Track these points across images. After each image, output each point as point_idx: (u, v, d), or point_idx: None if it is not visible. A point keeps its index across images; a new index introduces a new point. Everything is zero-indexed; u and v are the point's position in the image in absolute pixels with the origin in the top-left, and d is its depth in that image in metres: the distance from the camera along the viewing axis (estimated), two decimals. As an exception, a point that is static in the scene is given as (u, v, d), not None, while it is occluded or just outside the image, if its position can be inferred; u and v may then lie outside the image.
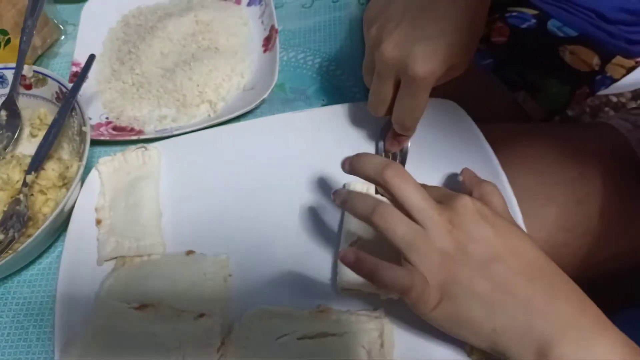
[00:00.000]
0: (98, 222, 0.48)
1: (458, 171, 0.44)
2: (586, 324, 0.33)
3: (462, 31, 0.41)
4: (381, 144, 0.49)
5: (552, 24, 0.80)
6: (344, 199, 0.39)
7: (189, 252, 0.46)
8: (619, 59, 0.81)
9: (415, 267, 0.35)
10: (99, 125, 0.56)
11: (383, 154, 0.48)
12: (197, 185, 0.49)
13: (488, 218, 0.36)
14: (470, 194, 0.40)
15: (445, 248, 0.35)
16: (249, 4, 0.62)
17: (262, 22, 0.59)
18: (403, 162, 0.48)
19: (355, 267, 0.36)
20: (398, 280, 0.35)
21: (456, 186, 0.45)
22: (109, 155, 0.51)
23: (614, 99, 1.36)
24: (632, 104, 1.06)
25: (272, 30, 0.57)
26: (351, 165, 0.40)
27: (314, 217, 0.46)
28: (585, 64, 0.80)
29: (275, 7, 0.59)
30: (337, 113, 0.50)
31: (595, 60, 0.80)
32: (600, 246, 0.57)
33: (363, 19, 0.45)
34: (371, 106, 0.46)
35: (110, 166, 0.50)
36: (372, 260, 0.36)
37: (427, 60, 0.40)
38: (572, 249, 0.57)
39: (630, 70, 0.83)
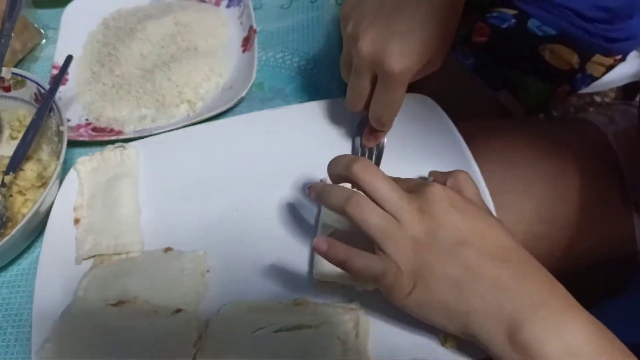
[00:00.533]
0: (76, 221, 0.48)
1: (431, 165, 0.45)
2: (554, 304, 0.33)
3: (435, 27, 0.41)
4: (358, 139, 0.49)
5: (531, 23, 0.81)
6: (318, 192, 0.40)
7: (167, 250, 0.46)
8: (598, 57, 0.82)
9: (389, 255, 0.36)
10: (79, 126, 0.56)
11: (360, 150, 0.49)
12: (175, 182, 0.49)
13: (457, 204, 0.37)
14: (444, 184, 0.40)
15: (417, 235, 0.36)
16: (227, 6, 0.62)
17: (241, 23, 0.60)
18: (379, 157, 0.48)
19: (328, 255, 0.36)
20: (371, 267, 0.36)
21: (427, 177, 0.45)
22: (87, 155, 0.51)
23: (598, 99, 1.37)
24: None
25: (251, 30, 0.57)
26: (327, 170, 0.41)
27: (291, 212, 0.46)
28: (565, 63, 0.81)
29: (254, 8, 0.60)
30: (315, 109, 0.51)
31: (575, 59, 0.81)
32: (579, 238, 0.58)
33: (340, 16, 0.46)
34: (349, 101, 0.46)
35: (88, 165, 0.50)
36: (345, 248, 0.36)
37: (402, 56, 0.40)
38: (551, 241, 0.57)
39: (609, 68, 0.84)
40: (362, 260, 0.36)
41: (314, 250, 0.37)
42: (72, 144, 0.54)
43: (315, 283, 0.42)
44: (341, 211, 0.38)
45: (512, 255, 0.36)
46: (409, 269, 0.36)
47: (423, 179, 0.45)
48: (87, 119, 0.57)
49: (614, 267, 0.58)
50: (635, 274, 0.57)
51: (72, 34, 0.63)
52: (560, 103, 0.91)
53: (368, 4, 0.43)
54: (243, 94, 0.52)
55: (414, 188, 0.38)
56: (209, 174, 0.49)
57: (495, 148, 0.59)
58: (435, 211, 0.36)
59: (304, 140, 0.50)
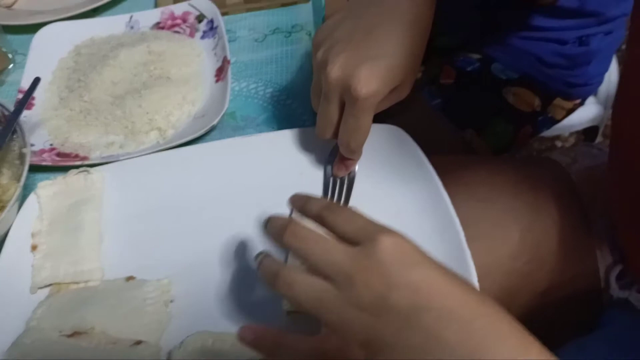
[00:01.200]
0: (33, 247, 0.46)
1: (403, 195, 0.45)
2: None
3: (402, 55, 0.43)
4: (329, 168, 0.49)
5: (495, 67, 0.84)
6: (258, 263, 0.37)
7: (129, 278, 0.44)
8: (559, 101, 0.86)
9: (331, 329, 0.32)
10: (42, 151, 0.54)
11: (331, 179, 0.49)
12: (141, 208, 0.48)
13: (412, 259, 0.32)
14: None
15: (363, 301, 0.31)
16: (202, 37, 0.63)
17: (215, 53, 0.60)
18: (350, 187, 0.48)
19: (255, 346, 0.34)
20: (306, 352, 0.33)
21: (399, 211, 0.45)
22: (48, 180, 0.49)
23: (559, 144, 1.42)
24: (575, 147, 1.10)
25: (225, 61, 0.58)
26: (263, 230, 0.38)
27: (260, 241, 0.45)
28: (527, 105, 0.84)
29: (229, 41, 0.61)
30: (286, 138, 0.51)
31: (537, 102, 0.84)
32: (548, 273, 0.58)
33: (312, 44, 0.47)
34: (318, 128, 0.46)
35: (49, 190, 0.48)
36: (274, 334, 0.34)
37: (369, 81, 0.41)
38: (520, 276, 0.58)
39: (570, 111, 0.88)
40: (294, 346, 0.33)
41: (240, 341, 0.34)
42: (35, 169, 0.52)
43: (284, 314, 0.41)
44: (273, 288, 0.34)
45: (479, 311, 0.32)
46: (358, 341, 0.31)
47: (392, 212, 0.45)
48: (51, 144, 0.55)
49: (583, 304, 0.58)
50: (602, 312, 0.58)
51: (41, 60, 0.62)
52: (523, 145, 0.94)
53: (339, 32, 0.44)
54: (215, 122, 0.52)
55: (359, 236, 0.33)
56: (176, 201, 0.48)
57: (465, 182, 0.60)
58: (385, 270, 0.31)
59: (274, 168, 0.49)
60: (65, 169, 0.51)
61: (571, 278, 0.59)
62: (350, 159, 0.47)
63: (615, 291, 0.57)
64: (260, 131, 0.54)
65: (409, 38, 0.42)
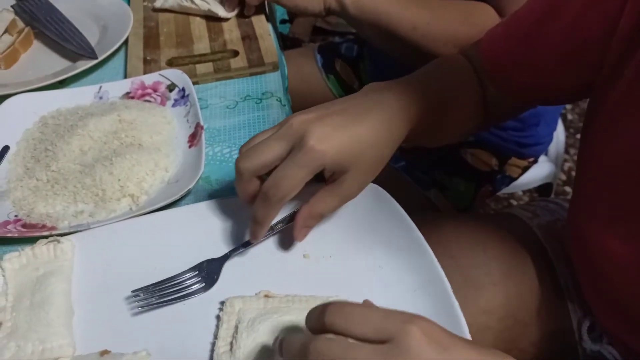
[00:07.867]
0: (-3, 325, 0.43)
1: (385, 251, 0.45)
2: None
3: (358, 140, 0.45)
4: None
5: (452, 130, 0.88)
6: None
7: (104, 352, 0.42)
8: (514, 160, 0.90)
9: None
10: (7, 222, 0.52)
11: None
12: (115, 277, 0.46)
13: (444, 344, 0.32)
14: None
15: None
16: (174, 105, 0.63)
17: (187, 120, 0.61)
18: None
19: None
20: None
21: (382, 266, 0.46)
22: (15, 251, 0.47)
23: (514, 203, 1.47)
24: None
25: (198, 127, 0.58)
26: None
27: (243, 305, 0.44)
28: (485, 165, 0.88)
29: (201, 108, 0.62)
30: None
31: (494, 161, 0.89)
32: (522, 330, 0.59)
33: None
34: (251, 154, 0.44)
35: (16, 262, 0.46)
36: None
37: (322, 139, 0.43)
38: (495, 332, 0.58)
39: (525, 169, 0.93)
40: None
41: None
42: (0, 241, 0.50)
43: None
44: None
45: None
46: None
47: (373, 264, 0.45)
48: (16, 215, 0.53)
49: (560, 358, 0.59)
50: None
51: (5, 131, 0.61)
52: (483, 203, 0.98)
53: (318, 108, 0.46)
54: (191, 186, 0.52)
55: (383, 335, 0.32)
56: (152, 268, 0.47)
57: (434, 239, 0.61)
58: None
59: (246, 232, 0.49)
60: (33, 240, 0.49)
61: (547, 333, 0.59)
62: (258, 225, 0.46)
63: (588, 344, 0.58)
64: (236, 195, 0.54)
65: (374, 137, 0.45)
